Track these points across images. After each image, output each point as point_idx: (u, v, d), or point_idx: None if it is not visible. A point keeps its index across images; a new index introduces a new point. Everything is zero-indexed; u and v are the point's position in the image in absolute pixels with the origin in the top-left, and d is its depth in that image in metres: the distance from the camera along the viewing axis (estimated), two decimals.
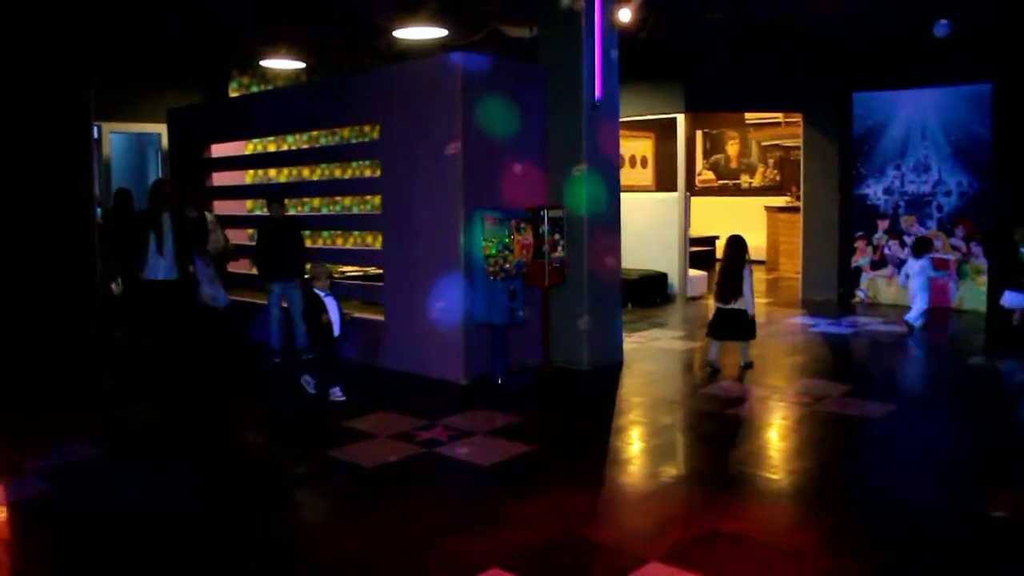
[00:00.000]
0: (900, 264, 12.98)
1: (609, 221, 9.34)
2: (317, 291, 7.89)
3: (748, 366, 9.05)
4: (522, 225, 8.39)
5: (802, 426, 7.08)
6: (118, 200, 10.98)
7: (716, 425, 7.13)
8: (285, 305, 9.50)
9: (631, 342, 10.36)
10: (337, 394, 7.88)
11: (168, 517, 5.33)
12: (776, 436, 6.91)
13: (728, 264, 8.93)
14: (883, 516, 5.15)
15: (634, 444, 6.84)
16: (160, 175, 14.01)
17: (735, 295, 8.78)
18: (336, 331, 7.90)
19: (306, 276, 9.39)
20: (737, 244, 8.97)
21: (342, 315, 7.98)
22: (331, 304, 7.88)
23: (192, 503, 5.59)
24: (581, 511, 5.27)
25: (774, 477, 5.86)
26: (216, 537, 5.00)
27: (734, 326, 8.91)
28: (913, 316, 10.98)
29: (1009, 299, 10.13)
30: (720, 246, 17.53)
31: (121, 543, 4.93)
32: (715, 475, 5.91)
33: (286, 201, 9.81)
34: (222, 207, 11.79)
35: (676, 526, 5.01)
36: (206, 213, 9.90)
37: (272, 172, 13.64)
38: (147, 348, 9.57)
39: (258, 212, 13.07)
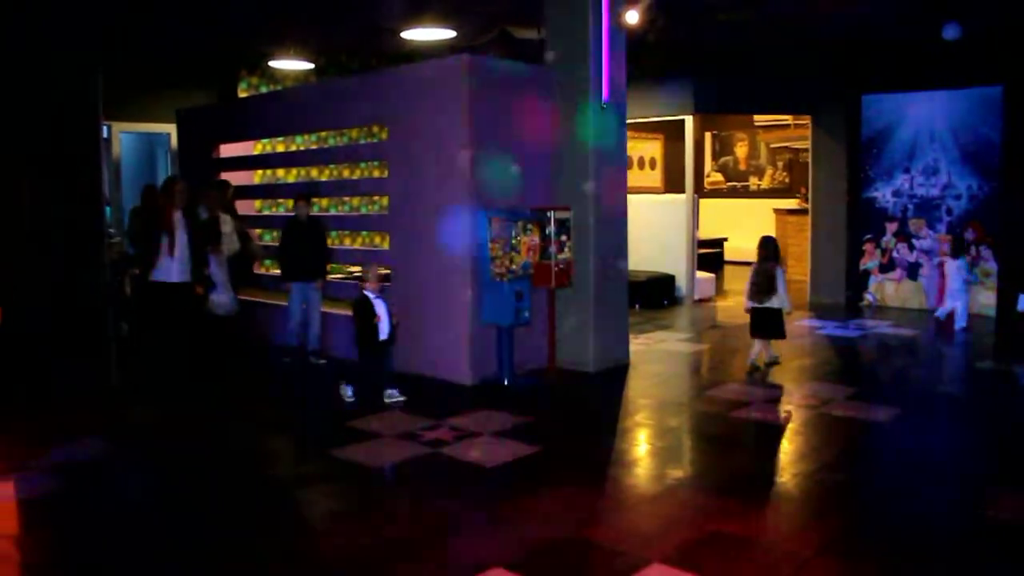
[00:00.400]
0: (909, 267, 12.98)
1: (616, 222, 9.34)
2: (367, 293, 7.83)
3: (774, 362, 9.21)
4: (529, 226, 8.40)
5: (808, 429, 7.07)
6: (145, 197, 11.05)
7: (722, 427, 7.12)
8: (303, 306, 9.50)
9: (637, 344, 10.36)
10: (395, 396, 7.86)
11: (168, 515, 5.36)
12: (782, 439, 6.90)
13: (761, 264, 9.10)
14: (888, 520, 5.15)
15: (639, 446, 6.84)
16: (169, 175, 14.05)
17: (769, 294, 8.96)
18: (383, 334, 7.80)
19: (327, 276, 9.64)
20: (770, 244, 9.21)
21: (392, 318, 7.90)
22: (381, 307, 7.83)
23: (192, 503, 5.61)
24: (585, 512, 5.27)
25: (779, 480, 5.86)
26: (218, 536, 5.02)
27: (768, 323, 9.07)
28: (944, 311, 11.18)
29: None
30: (728, 248, 17.63)
31: (126, 540, 4.96)
32: (720, 477, 5.90)
33: (312, 200, 9.62)
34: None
35: (680, 528, 5.01)
36: (221, 214, 9.55)
37: (280, 172, 13.68)
38: (150, 347, 9.36)
39: (265, 212, 13.12)
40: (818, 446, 6.67)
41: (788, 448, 6.66)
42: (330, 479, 5.99)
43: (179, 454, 6.62)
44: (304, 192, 9.65)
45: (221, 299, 9.24)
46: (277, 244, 9.91)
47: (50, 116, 8.21)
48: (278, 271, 10.27)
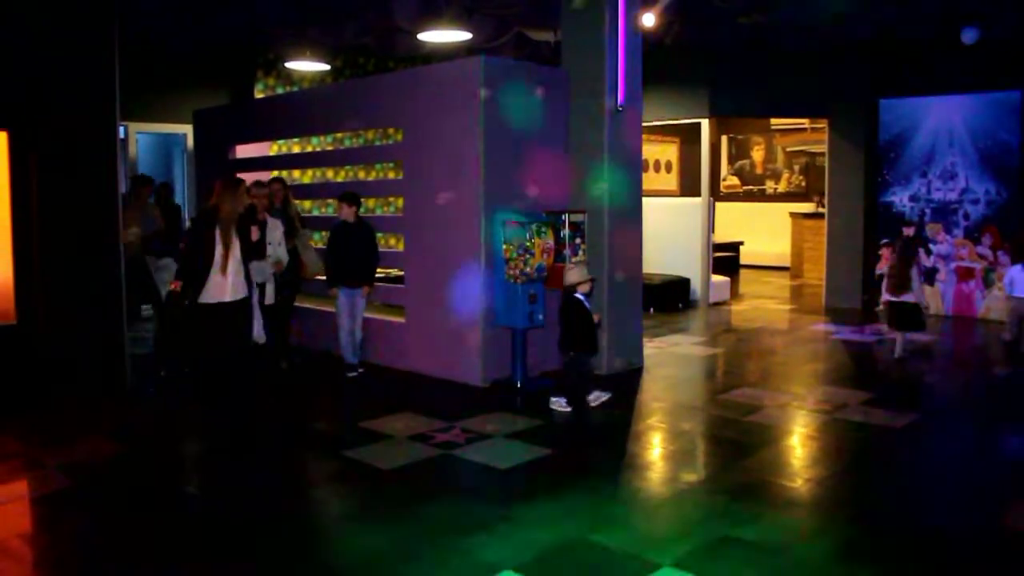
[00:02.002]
0: (926, 272, 12.89)
1: (631, 226, 9.32)
2: (579, 295, 7.73)
3: (908, 355, 9.73)
4: (543, 229, 8.38)
5: (821, 434, 7.02)
6: (160, 195, 10.99)
7: (735, 431, 7.08)
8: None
9: (652, 347, 10.33)
10: (602, 397, 7.86)
11: (179, 514, 5.37)
12: (795, 443, 6.86)
13: (899, 261, 9.76)
14: (901, 527, 5.11)
15: (652, 449, 6.81)
16: (185, 175, 14.11)
17: (905, 288, 9.59)
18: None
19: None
20: (909, 243, 10.15)
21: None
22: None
23: (208, 501, 5.62)
24: (596, 515, 5.25)
25: (791, 485, 5.81)
26: (231, 535, 5.02)
27: (906, 317, 9.67)
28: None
29: None
30: (744, 252, 17.57)
31: (137, 539, 4.97)
32: (732, 481, 5.86)
33: (360, 201, 9.05)
34: None
35: (692, 532, 4.98)
36: (269, 218, 8.45)
37: (296, 173, 13.71)
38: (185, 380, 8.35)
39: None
40: (832, 451, 6.63)
41: (802, 453, 6.62)
42: (341, 480, 5.99)
43: (191, 455, 6.64)
44: (345, 193, 9.01)
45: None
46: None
47: (66, 116, 8.24)
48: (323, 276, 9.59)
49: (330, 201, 13.57)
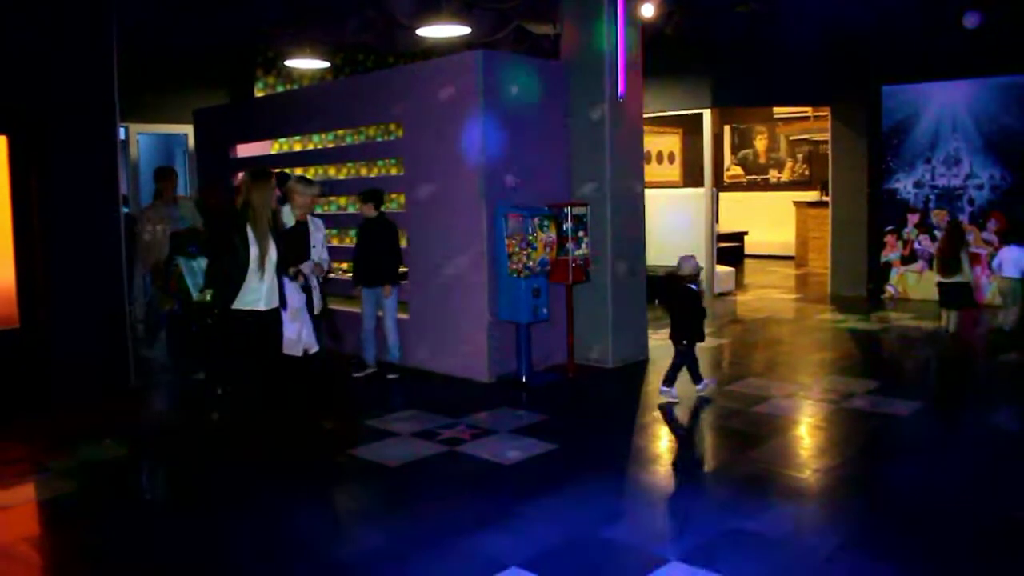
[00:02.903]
0: (931, 259, 12.83)
1: (634, 218, 9.29)
2: (693, 287, 7.85)
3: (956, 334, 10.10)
4: (545, 222, 8.35)
5: (828, 424, 7.00)
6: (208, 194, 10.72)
7: (741, 422, 7.05)
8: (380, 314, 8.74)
9: (656, 339, 10.28)
10: (710, 384, 7.95)
11: (185, 514, 5.36)
12: (801, 434, 6.83)
13: (947, 244, 10.07)
14: (909, 517, 5.07)
15: (658, 442, 6.78)
16: (188, 175, 14.08)
17: (954, 271, 9.87)
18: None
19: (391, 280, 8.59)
20: (957, 226, 10.34)
21: None
22: None
23: (212, 499, 5.61)
24: (602, 510, 5.22)
25: (799, 476, 5.79)
26: (235, 534, 5.01)
27: (956, 296, 9.99)
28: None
29: None
30: (748, 242, 17.54)
31: (144, 540, 4.96)
32: (739, 473, 5.84)
33: (381, 197, 8.70)
34: None
35: (698, 525, 4.96)
36: (310, 218, 7.55)
37: (298, 171, 13.66)
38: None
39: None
40: (839, 441, 6.60)
41: (809, 443, 6.59)
42: (347, 478, 5.98)
43: (197, 454, 6.63)
44: (364, 191, 8.76)
45: (292, 330, 6.80)
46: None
47: (66, 119, 8.22)
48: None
49: (332, 198, 13.59)
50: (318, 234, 7.49)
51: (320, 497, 5.63)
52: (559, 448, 6.42)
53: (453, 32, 10.95)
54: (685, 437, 6.85)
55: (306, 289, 7.05)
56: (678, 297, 7.84)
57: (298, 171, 12.32)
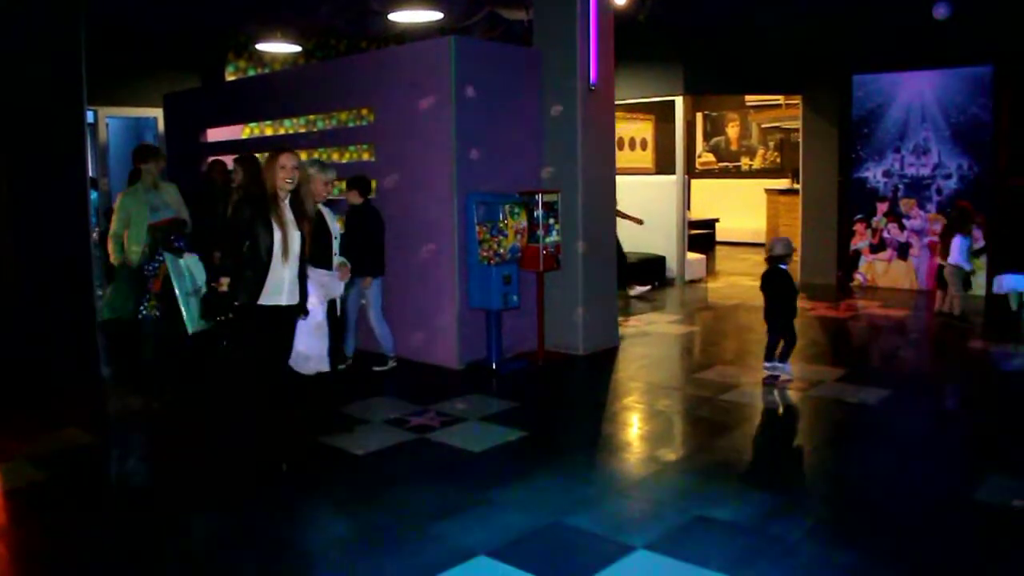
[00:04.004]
0: (899, 247, 12.95)
1: (605, 204, 9.30)
2: (784, 267, 7.95)
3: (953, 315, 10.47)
4: (516, 210, 8.35)
5: (797, 411, 7.07)
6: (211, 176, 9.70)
7: (710, 410, 7.09)
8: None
9: (628, 326, 10.35)
10: (788, 371, 7.93)
11: (152, 504, 5.34)
12: (768, 423, 6.88)
13: (946, 229, 10.71)
14: (875, 504, 5.13)
15: (627, 430, 6.82)
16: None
17: (946, 255, 10.49)
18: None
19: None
20: (955, 211, 10.80)
21: None
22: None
23: (176, 491, 5.58)
24: (570, 498, 5.25)
25: (766, 463, 5.84)
26: (200, 524, 4.99)
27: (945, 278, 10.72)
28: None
29: (1008, 283, 10.27)
30: (719, 229, 17.59)
31: (113, 530, 4.94)
32: (707, 461, 5.88)
33: (366, 184, 8.35)
34: None
35: (666, 513, 4.98)
36: (321, 206, 6.63)
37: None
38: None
39: None
40: (807, 428, 6.67)
41: (777, 431, 6.65)
42: (314, 466, 5.94)
43: (165, 443, 6.60)
44: (350, 178, 8.41)
45: (309, 346, 6.14)
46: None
47: (31, 102, 8.13)
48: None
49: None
50: (334, 225, 6.71)
51: (286, 485, 5.61)
52: (528, 435, 6.45)
53: (426, 17, 10.89)
54: (653, 425, 6.88)
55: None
56: (771, 278, 7.98)
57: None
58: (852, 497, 5.28)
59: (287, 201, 5.61)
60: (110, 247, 8.13)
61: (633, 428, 6.83)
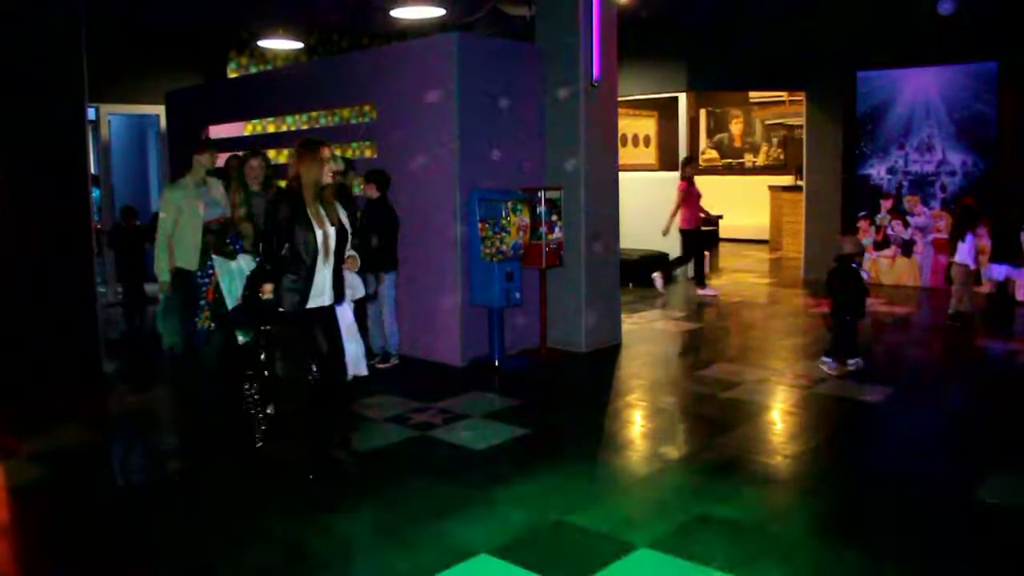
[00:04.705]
0: (903, 245, 12.90)
1: (608, 201, 9.27)
2: (854, 265, 8.06)
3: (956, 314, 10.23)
4: (519, 206, 8.32)
5: (799, 409, 7.03)
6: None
7: (713, 408, 7.07)
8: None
9: (630, 323, 10.31)
10: (859, 364, 8.01)
11: (153, 501, 5.32)
12: (773, 419, 6.85)
13: (953, 227, 10.65)
14: (878, 502, 5.11)
15: (629, 427, 6.79)
16: (160, 158, 13.92)
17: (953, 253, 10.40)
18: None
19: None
20: (961, 209, 10.52)
21: None
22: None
23: (183, 485, 5.57)
24: (573, 496, 5.22)
25: (769, 461, 5.81)
26: (204, 522, 4.97)
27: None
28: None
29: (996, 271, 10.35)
30: (723, 226, 17.53)
31: (112, 527, 4.92)
32: (709, 459, 5.85)
33: (382, 179, 8.24)
34: None
35: (668, 511, 4.96)
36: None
37: (272, 153, 13.56)
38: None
39: None
40: (810, 426, 6.64)
41: (779, 429, 6.62)
42: (316, 464, 5.91)
43: (165, 440, 6.59)
44: (368, 171, 8.36)
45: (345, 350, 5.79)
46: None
47: (32, 99, 8.11)
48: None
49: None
50: (346, 220, 6.11)
51: (288, 483, 5.58)
52: (531, 433, 6.42)
53: (428, 13, 10.86)
54: (656, 422, 6.85)
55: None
56: (841, 274, 8.06)
57: (273, 152, 12.27)
58: (856, 496, 5.25)
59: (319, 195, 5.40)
60: (159, 255, 7.25)
61: (635, 425, 6.81)
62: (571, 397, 7.78)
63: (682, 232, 12.69)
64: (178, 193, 7.16)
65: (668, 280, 13.07)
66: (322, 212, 5.36)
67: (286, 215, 5.25)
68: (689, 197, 12.47)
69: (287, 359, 5.50)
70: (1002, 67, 11.88)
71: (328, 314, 5.49)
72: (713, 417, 6.85)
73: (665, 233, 12.54)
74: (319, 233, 5.30)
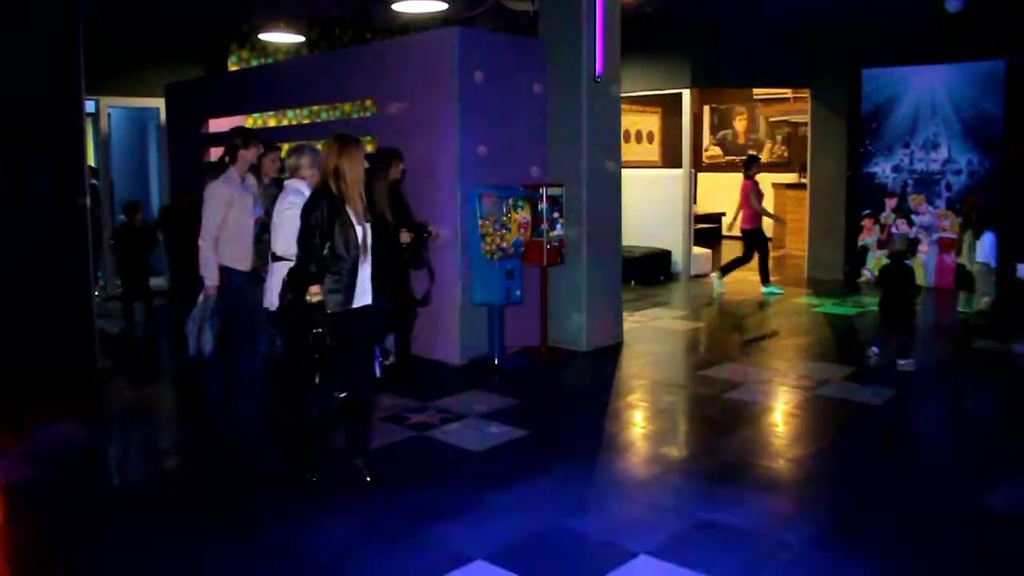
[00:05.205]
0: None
1: (610, 198, 9.18)
2: (907, 262, 8.13)
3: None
4: (520, 203, 8.23)
5: (803, 412, 6.93)
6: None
7: (715, 410, 6.98)
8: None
9: (632, 321, 10.22)
10: (909, 364, 7.98)
11: (147, 503, 5.24)
12: (776, 422, 6.76)
13: (960, 228, 10.83)
14: (884, 508, 5.01)
15: (630, 429, 6.70)
16: (160, 151, 13.82)
17: (960, 253, 10.72)
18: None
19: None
20: (970, 208, 10.71)
21: None
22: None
23: (177, 489, 5.49)
24: (572, 500, 5.13)
25: (772, 466, 5.72)
26: (198, 525, 4.89)
27: (964, 278, 10.80)
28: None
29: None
30: (726, 223, 17.44)
31: (106, 525, 4.84)
32: (712, 463, 5.75)
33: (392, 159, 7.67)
34: None
35: (669, 517, 4.87)
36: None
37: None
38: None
39: None
40: (813, 429, 6.54)
41: (783, 431, 6.52)
42: (311, 464, 5.81)
43: (165, 439, 6.51)
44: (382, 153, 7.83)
45: None
46: None
47: (28, 90, 8.02)
48: None
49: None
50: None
51: (281, 484, 5.49)
52: (530, 434, 6.33)
53: (430, 7, 10.75)
54: (657, 424, 6.76)
55: None
56: (893, 272, 8.13)
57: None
58: (862, 501, 5.14)
59: (362, 192, 5.25)
60: (208, 255, 6.24)
61: (636, 427, 6.71)
62: (571, 397, 7.69)
63: (744, 232, 12.57)
64: (227, 187, 6.42)
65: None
66: (360, 208, 5.20)
67: (328, 213, 5.04)
68: (752, 197, 12.37)
69: (329, 363, 5.19)
70: (1009, 65, 11.77)
71: (369, 313, 5.33)
72: (715, 419, 6.76)
73: (729, 231, 12.47)
74: (359, 230, 5.14)
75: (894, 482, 5.44)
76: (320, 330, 5.07)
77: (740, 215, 12.61)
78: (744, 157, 14.18)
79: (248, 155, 6.60)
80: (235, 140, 6.54)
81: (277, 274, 5.60)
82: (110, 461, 6.25)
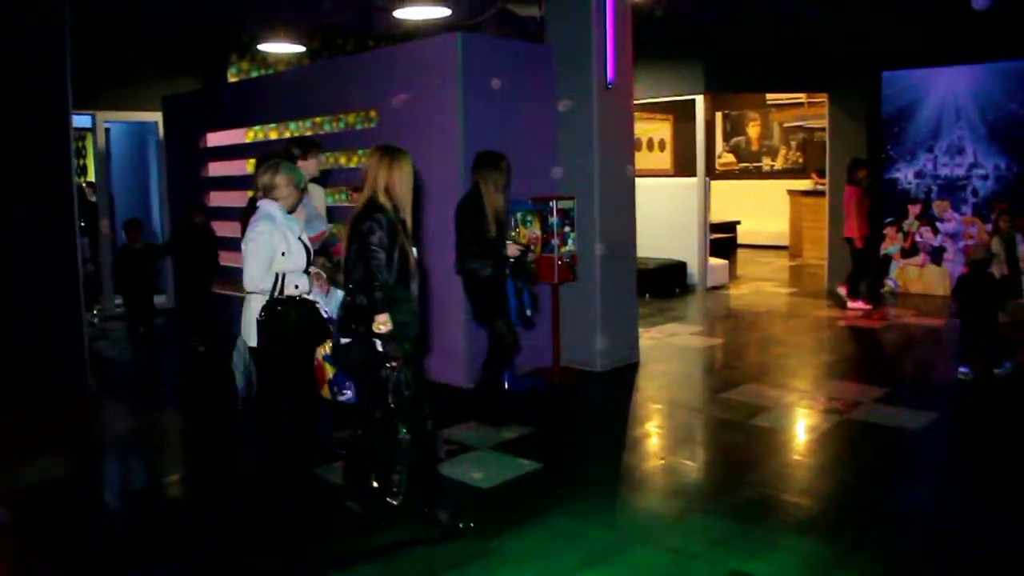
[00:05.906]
0: (933, 252, 12.34)
1: (623, 209, 8.75)
2: (991, 270, 7.97)
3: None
4: (528, 217, 7.81)
5: (833, 439, 6.45)
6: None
7: (739, 438, 6.50)
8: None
9: (647, 338, 9.76)
10: (1006, 369, 7.80)
11: (156, 518, 4.83)
12: (804, 452, 6.29)
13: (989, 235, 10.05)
14: (927, 552, 4.55)
15: (649, 461, 6.24)
16: (159, 166, 13.47)
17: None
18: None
19: None
20: (999, 214, 9.86)
21: None
22: None
23: (174, 509, 5.08)
24: (588, 547, 4.68)
25: (802, 503, 5.26)
26: (194, 551, 4.49)
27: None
28: None
29: None
30: (741, 232, 17.00)
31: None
32: (738, 501, 5.29)
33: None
34: (221, 199, 11.25)
35: (699, 568, 4.41)
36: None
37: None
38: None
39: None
40: (847, 460, 6.06)
41: (813, 463, 6.05)
42: (305, 501, 5.39)
43: (159, 457, 6.12)
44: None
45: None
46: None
47: (11, 106, 7.69)
48: None
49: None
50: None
51: (274, 522, 5.07)
52: (543, 467, 5.89)
53: (433, 14, 10.37)
54: (678, 455, 6.30)
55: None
56: (971, 282, 7.90)
57: None
58: (904, 546, 4.68)
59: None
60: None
61: (656, 459, 6.25)
62: (586, 425, 7.24)
63: (848, 242, 11.80)
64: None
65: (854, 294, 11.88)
66: (410, 227, 4.79)
67: (387, 234, 4.60)
68: (861, 205, 11.53)
69: (400, 400, 4.74)
70: None
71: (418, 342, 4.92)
72: (740, 448, 6.30)
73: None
74: (414, 251, 4.74)
75: (939, 523, 4.97)
76: (393, 364, 4.64)
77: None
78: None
79: (308, 167, 6.00)
80: (292, 150, 5.99)
81: (251, 308, 5.18)
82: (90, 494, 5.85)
